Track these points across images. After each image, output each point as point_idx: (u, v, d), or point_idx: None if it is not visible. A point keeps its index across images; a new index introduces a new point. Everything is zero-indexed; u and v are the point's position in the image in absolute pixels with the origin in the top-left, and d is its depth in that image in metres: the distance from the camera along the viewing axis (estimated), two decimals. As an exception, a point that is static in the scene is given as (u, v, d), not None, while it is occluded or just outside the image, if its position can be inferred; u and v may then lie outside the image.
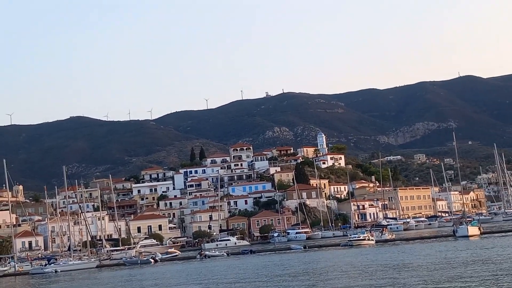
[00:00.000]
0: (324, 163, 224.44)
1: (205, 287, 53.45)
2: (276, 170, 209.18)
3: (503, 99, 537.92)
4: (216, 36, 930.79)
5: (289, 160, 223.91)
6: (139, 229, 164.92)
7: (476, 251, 66.47)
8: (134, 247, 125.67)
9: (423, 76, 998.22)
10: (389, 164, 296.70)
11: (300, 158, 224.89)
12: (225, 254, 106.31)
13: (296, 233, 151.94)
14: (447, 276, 44.98)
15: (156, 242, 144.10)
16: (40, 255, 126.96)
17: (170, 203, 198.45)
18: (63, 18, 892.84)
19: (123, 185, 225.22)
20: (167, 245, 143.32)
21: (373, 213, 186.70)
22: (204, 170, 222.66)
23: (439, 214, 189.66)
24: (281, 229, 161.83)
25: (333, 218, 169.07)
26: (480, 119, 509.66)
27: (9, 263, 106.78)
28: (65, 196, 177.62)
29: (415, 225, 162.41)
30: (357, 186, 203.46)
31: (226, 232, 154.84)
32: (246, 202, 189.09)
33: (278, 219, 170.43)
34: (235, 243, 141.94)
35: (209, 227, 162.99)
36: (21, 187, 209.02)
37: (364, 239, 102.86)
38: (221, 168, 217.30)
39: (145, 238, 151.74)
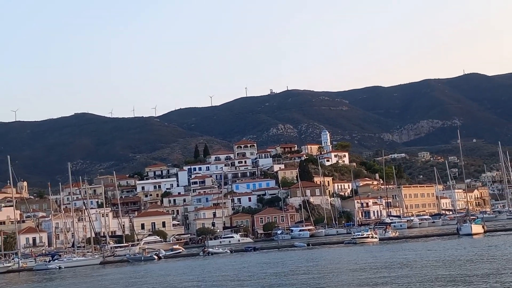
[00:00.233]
0: (328, 160, 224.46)
1: (207, 284, 53.44)
2: (280, 168, 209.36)
3: (508, 97, 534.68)
4: (220, 33, 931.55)
5: (293, 158, 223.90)
6: (142, 226, 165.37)
7: (479, 249, 66.30)
8: (137, 244, 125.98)
9: (427, 73, 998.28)
10: (393, 162, 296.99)
11: (304, 155, 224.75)
12: (228, 251, 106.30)
13: (300, 230, 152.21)
14: (450, 274, 44.93)
15: (160, 239, 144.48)
16: (44, 251, 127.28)
17: (174, 200, 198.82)
18: (68, 15, 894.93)
19: (127, 181, 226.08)
20: (171, 242, 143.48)
21: (377, 211, 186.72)
22: (208, 167, 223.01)
23: (443, 212, 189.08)
24: (285, 226, 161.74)
25: (337, 215, 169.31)
26: (485, 117, 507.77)
27: (13, 259, 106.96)
28: (69, 193, 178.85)
29: (419, 223, 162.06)
30: (361, 184, 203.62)
31: (229, 229, 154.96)
32: (250, 199, 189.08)
33: (281, 217, 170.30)
34: (239, 240, 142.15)
35: (213, 224, 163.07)
36: (25, 183, 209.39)
37: (368, 237, 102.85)
38: (225, 165, 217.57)
39: (149, 235, 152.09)
